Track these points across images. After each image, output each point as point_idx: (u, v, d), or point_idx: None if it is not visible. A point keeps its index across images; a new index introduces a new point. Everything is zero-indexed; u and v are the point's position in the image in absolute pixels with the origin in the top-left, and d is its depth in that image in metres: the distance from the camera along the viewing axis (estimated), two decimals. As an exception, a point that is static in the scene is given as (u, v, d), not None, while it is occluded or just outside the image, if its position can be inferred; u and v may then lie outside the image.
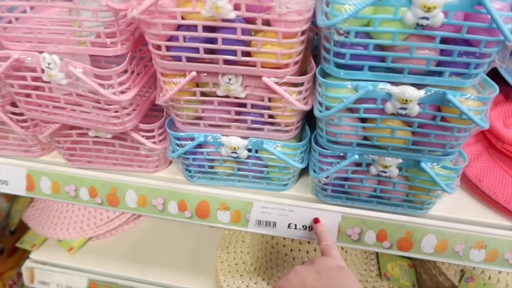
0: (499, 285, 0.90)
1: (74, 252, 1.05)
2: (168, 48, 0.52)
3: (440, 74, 0.49)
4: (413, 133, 0.54)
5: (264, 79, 0.52)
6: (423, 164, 0.56)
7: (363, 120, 0.54)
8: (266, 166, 0.64)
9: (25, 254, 1.31)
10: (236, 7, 0.46)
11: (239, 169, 0.65)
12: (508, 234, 0.64)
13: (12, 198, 1.22)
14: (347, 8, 0.44)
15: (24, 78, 0.61)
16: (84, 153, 0.71)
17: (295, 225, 0.67)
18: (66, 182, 0.73)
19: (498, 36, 0.44)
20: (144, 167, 0.71)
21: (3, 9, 0.58)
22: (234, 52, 0.50)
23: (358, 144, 0.57)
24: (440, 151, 0.56)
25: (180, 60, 0.52)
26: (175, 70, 0.54)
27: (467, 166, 0.69)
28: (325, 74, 0.53)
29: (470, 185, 0.69)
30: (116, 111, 0.60)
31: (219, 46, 0.49)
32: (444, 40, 0.46)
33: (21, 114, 0.69)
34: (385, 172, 0.58)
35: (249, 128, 0.60)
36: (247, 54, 0.51)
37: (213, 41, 0.50)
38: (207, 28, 0.49)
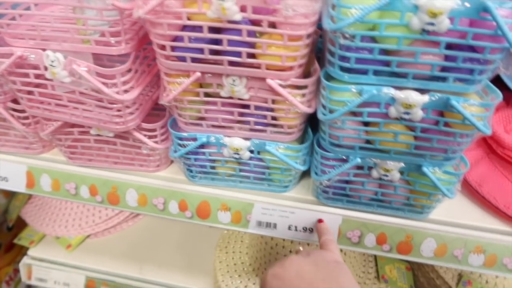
0: (496, 289, 0.91)
1: (72, 250, 1.04)
2: (173, 48, 0.52)
3: (444, 79, 0.49)
4: (416, 137, 0.54)
5: (269, 81, 0.52)
6: (424, 169, 0.57)
7: (366, 123, 0.54)
8: (268, 168, 0.64)
9: (22, 251, 1.30)
10: (242, 9, 0.46)
11: (240, 170, 0.65)
12: (507, 239, 0.64)
13: (10, 194, 1.21)
14: (353, 12, 0.44)
15: (26, 75, 0.60)
16: (85, 151, 0.71)
17: (296, 227, 0.67)
18: (67, 180, 0.73)
19: (503, 43, 0.45)
20: (145, 166, 0.71)
21: (6, 5, 0.58)
22: (239, 54, 0.50)
23: (361, 148, 0.57)
24: (442, 156, 0.56)
25: (185, 61, 0.52)
26: (179, 70, 0.54)
27: (468, 171, 0.69)
28: (329, 77, 0.53)
29: (470, 190, 0.69)
30: (119, 110, 0.59)
31: (224, 47, 0.49)
32: (448, 46, 0.46)
33: (23, 111, 0.69)
34: (387, 175, 0.59)
35: (251, 130, 0.60)
36: (252, 55, 0.51)
37: (218, 42, 0.50)
38: (212, 29, 0.49)
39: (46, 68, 0.58)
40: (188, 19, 0.49)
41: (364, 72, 0.50)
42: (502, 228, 0.65)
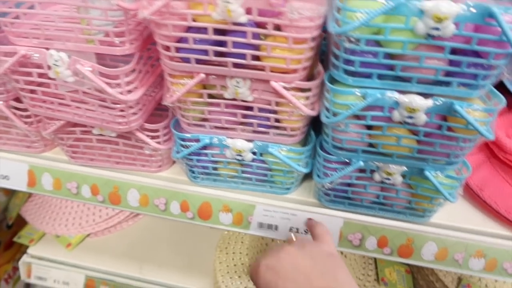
0: (495, 293, 0.91)
1: (72, 248, 1.04)
2: (177, 50, 0.52)
3: (447, 84, 0.49)
4: (418, 141, 0.54)
5: (273, 83, 0.52)
6: (427, 173, 0.57)
7: (369, 127, 0.54)
8: (270, 170, 0.64)
9: (21, 249, 1.30)
10: (248, 11, 0.46)
11: (242, 172, 0.65)
12: (508, 244, 0.64)
13: (10, 192, 1.21)
14: (358, 16, 0.44)
15: (30, 74, 0.60)
16: (87, 150, 0.71)
17: (297, 229, 0.67)
18: (68, 179, 0.73)
19: (507, 49, 0.45)
20: (147, 167, 0.71)
21: (10, 4, 0.58)
22: (243, 56, 0.50)
23: (364, 151, 0.57)
24: (444, 160, 0.56)
25: (189, 62, 0.52)
26: (183, 72, 0.54)
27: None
28: (332, 80, 0.53)
29: (472, 194, 0.69)
30: (122, 110, 0.59)
31: (229, 49, 0.50)
32: (453, 51, 0.46)
33: (25, 110, 0.69)
34: (389, 179, 0.59)
35: (254, 131, 0.60)
36: (256, 58, 0.51)
37: (222, 44, 0.50)
38: (217, 31, 0.49)
39: (49, 67, 0.58)
40: (193, 20, 0.49)
41: (368, 76, 0.50)
42: (502, 233, 0.65)
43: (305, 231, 0.67)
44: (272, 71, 0.51)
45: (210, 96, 0.57)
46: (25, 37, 0.59)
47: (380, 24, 0.45)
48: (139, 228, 1.11)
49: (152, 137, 0.65)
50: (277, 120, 0.58)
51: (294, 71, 0.51)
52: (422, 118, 0.50)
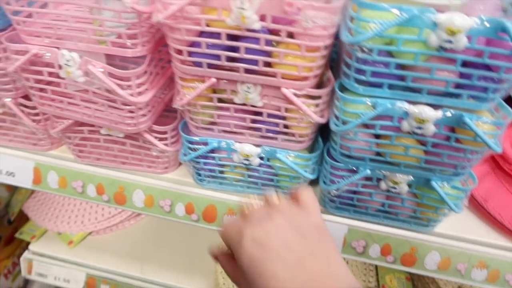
0: (495, 303, 0.91)
1: (73, 246, 1.04)
2: (190, 54, 0.52)
3: (457, 96, 0.49)
4: (426, 152, 0.54)
5: (283, 90, 0.52)
6: (433, 183, 0.57)
7: (378, 136, 0.55)
8: (277, 175, 0.64)
9: (21, 244, 1.30)
10: (262, 18, 0.47)
11: (249, 176, 0.65)
12: (511, 256, 0.64)
13: (13, 188, 1.21)
14: (372, 26, 0.45)
15: (40, 72, 0.60)
16: (94, 150, 0.71)
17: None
18: (74, 178, 0.73)
19: (519, 63, 0.45)
20: (154, 168, 0.71)
21: (23, 2, 0.58)
22: (255, 62, 0.50)
23: (371, 159, 0.57)
24: (451, 171, 0.56)
25: (201, 66, 0.52)
26: (194, 75, 0.54)
27: (474, 186, 0.70)
28: (342, 88, 0.53)
29: (476, 205, 0.69)
30: (131, 112, 0.60)
31: (242, 55, 0.50)
32: (464, 63, 0.46)
33: (33, 108, 0.69)
34: (395, 188, 0.59)
35: (262, 137, 0.60)
36: (268, 64, 0.51)
37: (234, 49, 0.50)
38: (230, 36, 0.49)
39: (60, 67, 0.58)
40: (207, 25, 0.49)
41: (379, 86, 0.50)
42: (506, 244, 0.65)
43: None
44: (283, 78, 0.52)
45: (220, 100, 0.57)
46: (37, 36, 0.59)
47: (393, 35, 0.45)
48: (141, 228, 1.11)
49: (160, 139, 0.65)
50: (285, 126, 0.58)
51: (305, 78, 0.51)
52: (431, 129, 0.50)
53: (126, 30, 0.54)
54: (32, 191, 1.16)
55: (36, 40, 0.59)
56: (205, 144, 0.61)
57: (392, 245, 0.66)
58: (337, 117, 0.54)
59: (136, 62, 0.64)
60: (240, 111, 0.58)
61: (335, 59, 0.59)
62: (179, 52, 0.52)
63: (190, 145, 0.62)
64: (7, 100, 0.68)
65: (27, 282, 1.33)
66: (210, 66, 0.52)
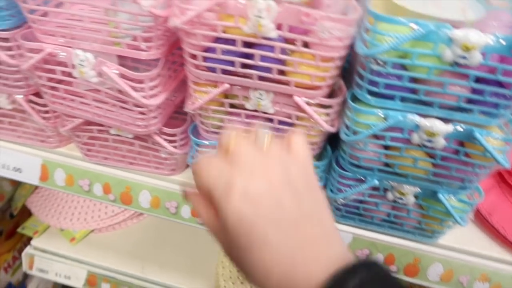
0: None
1: (76, 243, 1.05)
2: (204, 59, 0.52)
3: (468, 111, 0.50)
4: (434, 164, 0.55)
5: (296, 98, 0.53)
6: (440, 195, 0.57)
7: (387, 147, 0.55)
8: (284, 181, 0.64)
9: (22, 239, 1.31)
10: (278, 27, 0.47)
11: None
12: (513, 270, 0.65)
13: (16, 183, 1.21)
14: (388, 39, 0.45)
15: (53, 71, 0.61)
16: (102, 149, 0.71)
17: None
18: (81, 176, 0.74)
19: (531, 81, 0.46)
20: (161, 169, 0.71)
21: (38, 1, 0.58)
22: (269, 70, 0.51)
23: (379, 170, 0.57)
24: (458, 184, 0.57)
25: (215, 71, 0.53)
26: (208, 80, 0.55)
27: (479, 199, 0.70)
28: (354, 98, 0.53)
29: (480, 218, 0.70)
30: (143, 113, 0.60)
31: (256, 62, 0.50)
32: (477, 79, 0.47)
33: (44, 105, 0.69)
34: (402, 199, 0.59)
35: (272, 143, 0.61)
36: (282, 72, 0.51)
37: (249, 56, 0.51)
38: (245, 44, 0.50)
39: (73, 66, 0.58)
40: (223, 32, 0.49)
41: (391, 98, 0.50)
42: (509, 259, 0.66)
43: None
44: (296, 86, 0.52)
45: (231, 105, 0.58)
46: (52, 35, 0.59)
47: (408, 49, 0.46)
48: (143, 227, 1.11)
49: (169, 141, 0.66)
50: (295, 134, 0.58)
51: (318, 87, 0.52)
52: (441, 142, 0.51)
53: (142, 33, 0.54)
54: (36, 187, 1.16)
55: (51, 39, 0.59)
56: (214, 147, 0.62)
57: (396, 255, 0.66)
58: (347, 127, 0.54)
59: (148, 64, 0.64)
60: (251, 117, 0.58)
61: (347, 68, 0.59)
62: (194, 56, 0.53)
63: (199, 149, 0.63)
64: (19, 97, 0.69)
65: (26, 276, 1.33)
66: (224, 71, 0.53)
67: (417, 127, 0.50)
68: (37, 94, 0.69)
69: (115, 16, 0.56)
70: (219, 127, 0.61)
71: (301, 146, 0.41)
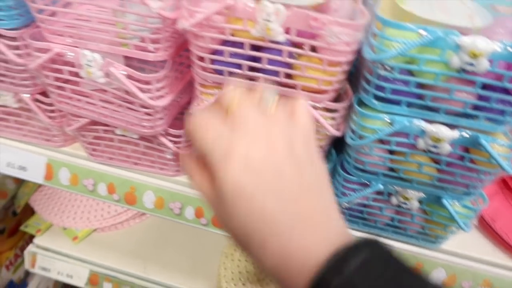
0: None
1: (78, 242, 1.05)
2: (212, 61, 0.52)
3: (474, 117, 0.50)
4: (439, 170, 0.55)
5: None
6: (444, 201, 0.57)
7: (392, 152, 0.55)
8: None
9: (24, 237, 1.31)
10: (287, 31, 0.47)
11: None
12: (515, 276, 0.65)
13: (20, 181, 1.22)
14: (395, 45, 0.45)
15: (60, 71, 0.61)
16: (107, 149, 0.72)
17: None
18: (86, 176, 0.74)
19: (538, 89, 0.46)
20: (166, 170, 0.71)
21: (47, 1, 0.59)
22: (276, 73, 0.51)
23: (384, 174, 0.58)
24: (462, 190, 0.57)
25: (222, 74, 0.53)
26: (214, 82, 0.55)
27: (482, 205, 0.70)
28: (360, 103, 0.54)
29: (483, 224, 0.70)
30: (149, 114, 0.60)
31: (264, 65, 0.50)
32: (483, 86, 0.47)
33: (50, 105, 0.70)
34: (406, 203, 0.59)
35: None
36: (288, 76, 0.52)
37: (256, 59, 0.51)
38: (253, 47, 0.50)
39: (81, 66, 0.58)
40: (231, 35, 0.49)
41: (398, 103, 0.50)
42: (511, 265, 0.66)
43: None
44: (303, 90, 0.52)
45: (238, 108, 0.58)
46: (60, 35, 0.59)
47: (416, 55, 0.46)
48: (146, 227, 1.11)
49: (174, 142, 0.66)
50: (301, 137, 0.59)
51: (325, 91, 0.52)
52: (446, 148, 0.51)
53: (150, 35, 0.54)
54: (39, 185, 1.17)
55: (59, 39, 0.59)
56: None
57: (399, 259, 0.66)
58: (353, 131, 0.54)
59: (154, 65, 0.65)
60: (256, 120, 0.58)
61: (353, 73, 0.59)
62: (201, 59, 0.53)
63: (205, 150, 0.63)
64: (25, 96, 0.69)
65: (27, 274, 1.34)
66: (231, 74, 0.53)
67: (422, 133, 0.51)
68: (44, 93, 0.69)
69: (123, 17, 0.56)
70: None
71: (305, 115, 0.39)
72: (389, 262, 0.32)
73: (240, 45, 0.50)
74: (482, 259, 0.66)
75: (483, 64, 0.44)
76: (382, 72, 0.47)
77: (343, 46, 0.47)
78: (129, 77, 0.57)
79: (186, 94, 0.67)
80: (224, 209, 0.34)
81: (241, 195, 0.32)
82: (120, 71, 0.56)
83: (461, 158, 0.52)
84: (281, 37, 0.47)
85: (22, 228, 1.13)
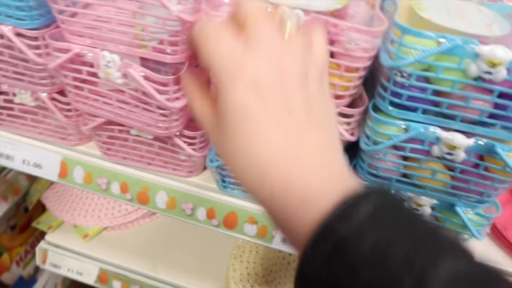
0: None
1: (88, 240, 1.06)
2: (229, 64, 0.53)
3: (490, 125, 0.50)
4: (453, 177, 0.55)
5: (318, 106, 0.53)
6: (457, 208, 0.57)
7: (406, 158, 0.55)
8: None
9: (34, 233, 1.33)
10: (304, 36, 0.48)
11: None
12: (527, 285, 0.64)
13: (32, 178, 1.23)
14: (413, 52, 0.45)
15: (79, 71, 0.62)
16: (122, 149, 0.72)
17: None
18: (99, 175, 0.75)
19: (555, 99, 0.46)
20: (179, 171, 0.72)
21: (68, 1, 0.60)
22: (293, 78, 0.51)
23: (397, 180, 0.58)
24: (476, 198, 0.57)
25: (239, 77, 0.53)
26: (231, 86, 0.55)
27: (495, 213, 0.70)
28: (375, 109, 0.54)
29: (495, 232, 0.70)
30: (165, 116, 0.61)
31: (281, 70, 0.51)
32: (499, 94, 0.47)
33: (67, 104, 0.71)
34: (418, 210, 0.59)
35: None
36: (305, 80, 0.52)
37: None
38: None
39: (99, 67, 0.59)
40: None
41: (413, 110, 0.51)
42: (523, 274, 0.65)
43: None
44: (318, 95, 0.52)
45: (253, 111, 0.58)
46: (80, 35, 0.60)
47: (434, 62, 0.46)
48: (156, 227, 1.12)
49: (189, 144, 0.66)
50: (315, 141, 0.59)
51: (341, 97, 0.52)
52: (461, 155, 0.51)
53: (168, 37, 0.55)
54: (51, 182, 1.18)
55: (79, 40, 0.60)
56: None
57: (410, 265, 0.66)
58: (368, 137, 0.54)
59: (170, 67, 0.66)
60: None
61: (368, 78, 0.60)
62: (219, 62, 0.53)
63: (219, 152, 0.63)
64: (43, 95, 0.70)
65: (37, 270, 1.35)
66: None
67: (438, 140, 0.51)
68: (61, 92, 0.70)
69: (143, 19, 0.57)
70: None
71: (323, 48, 0.36)
72: (401, 211, 0.29)
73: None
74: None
75: (501, 73, 0.44)
76: (399, 79, 0.48)
77: (361, 53, 0.48)
78: (147, 78, 0.58)
79: (201, 96, 0.68)
80: (225, 133, 0.31)
81: (246, 118, 0.30)
82: (138, 72, 0.57)
83: (476, 166, 0.53)
84: (299, 42, 0.48)
85: (34, 224, 1.15)
